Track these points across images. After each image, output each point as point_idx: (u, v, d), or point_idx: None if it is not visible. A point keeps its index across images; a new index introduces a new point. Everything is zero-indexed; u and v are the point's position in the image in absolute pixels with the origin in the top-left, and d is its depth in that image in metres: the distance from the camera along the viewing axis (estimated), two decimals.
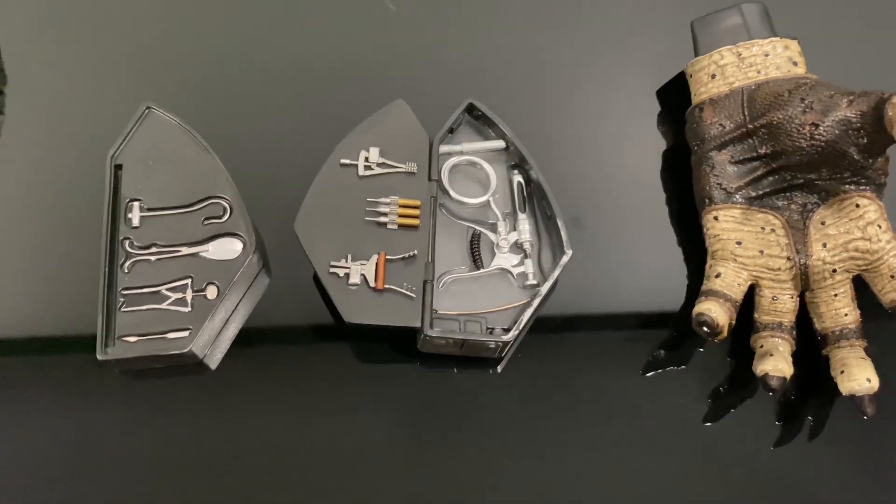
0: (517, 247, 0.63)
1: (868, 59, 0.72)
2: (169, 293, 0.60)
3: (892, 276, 0.59)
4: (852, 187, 0.60)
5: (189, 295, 0.60)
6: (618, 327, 0.66)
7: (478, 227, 0.64)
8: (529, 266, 0.63)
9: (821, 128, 0.58)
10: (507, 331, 0.60)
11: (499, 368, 0.63)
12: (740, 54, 0.63)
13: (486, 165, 0.65)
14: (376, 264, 0.59)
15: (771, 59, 0.63)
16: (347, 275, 0.59)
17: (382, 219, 0.61)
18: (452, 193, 0.64)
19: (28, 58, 0.69)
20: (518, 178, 0.65)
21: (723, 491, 0.62)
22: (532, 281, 0.62)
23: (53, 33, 0.70)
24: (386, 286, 0.59)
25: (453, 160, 0.65)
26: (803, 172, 0.60)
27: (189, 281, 0.60)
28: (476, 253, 0.63)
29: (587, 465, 0.62)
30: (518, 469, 0.61)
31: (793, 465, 0.62)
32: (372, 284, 0.59)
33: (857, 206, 0.60)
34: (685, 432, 0.63)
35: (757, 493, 0.62)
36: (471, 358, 0.63)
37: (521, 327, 0.60)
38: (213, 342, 0.62)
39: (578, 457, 0.62)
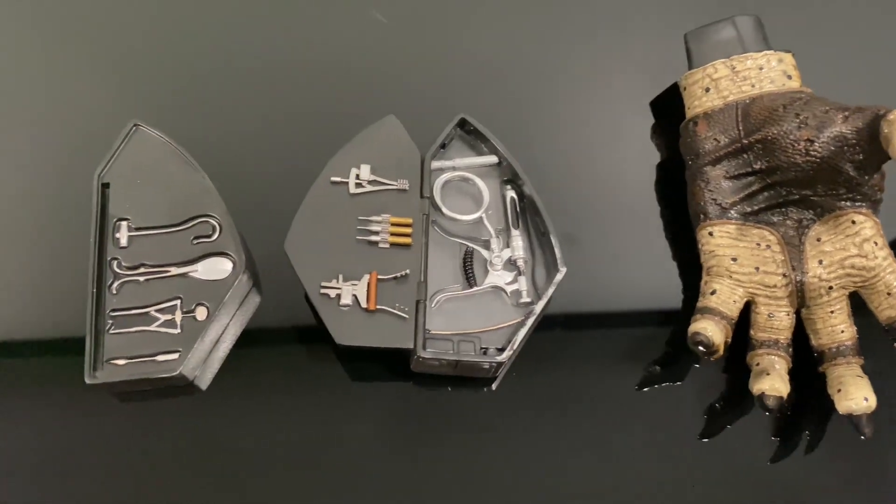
0: (511, 264, 0.63)
1: (864, 72, 0.72)
2: (158, 314, 0.59)
3: (888, 294, 0.58)
4: (848, 203, 0.59)
5: (178, 316, 0.59)
6: (613, 344, 0.65)
7: (471, 245, 0.63)
8: (523, 283, 0.62)
9: (816, 144, 0.57)
10: (501, 350, 0.59)
11: (493, 386, 0.63)
12: (734, 67, 0.62)
13: (478, 181, 0.64)
14: (368, 284, 0.59)
15: (765, 72, 0.62)
16: (339, 295, 0.58)
17: (374, 237, 0.60)
18: (445, 210, 0.63)
19: (14, 75, 0.68)
20: (511, 193, 0.64)
21: None
22: (526, 299, 0.61)
23: (39, 50, 0.69)
24: (378, 307, 0.58)
25: (445, 176, 0.64)
26: (798, 188, 0.60)
27: (178, 302, 0.59)
28: (469, 271, 0.62)
29: (585, 481, 0.61)
30: (514, 487, 0.61)
31: (790, 481, 0.62)
32: (364, 305, 0.58)
33: (853, 222, 0.59)
34: (682, 449, 0.62)
35: None
36: (465, 377, 0.62)
37: (514, 347, 0.59)
38: (203, 363, 0.61)
39: (575, 473, 0.61)
